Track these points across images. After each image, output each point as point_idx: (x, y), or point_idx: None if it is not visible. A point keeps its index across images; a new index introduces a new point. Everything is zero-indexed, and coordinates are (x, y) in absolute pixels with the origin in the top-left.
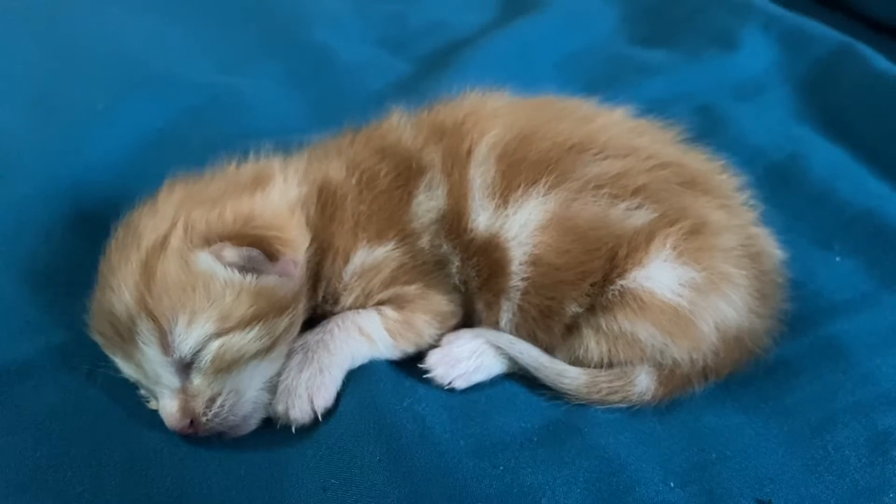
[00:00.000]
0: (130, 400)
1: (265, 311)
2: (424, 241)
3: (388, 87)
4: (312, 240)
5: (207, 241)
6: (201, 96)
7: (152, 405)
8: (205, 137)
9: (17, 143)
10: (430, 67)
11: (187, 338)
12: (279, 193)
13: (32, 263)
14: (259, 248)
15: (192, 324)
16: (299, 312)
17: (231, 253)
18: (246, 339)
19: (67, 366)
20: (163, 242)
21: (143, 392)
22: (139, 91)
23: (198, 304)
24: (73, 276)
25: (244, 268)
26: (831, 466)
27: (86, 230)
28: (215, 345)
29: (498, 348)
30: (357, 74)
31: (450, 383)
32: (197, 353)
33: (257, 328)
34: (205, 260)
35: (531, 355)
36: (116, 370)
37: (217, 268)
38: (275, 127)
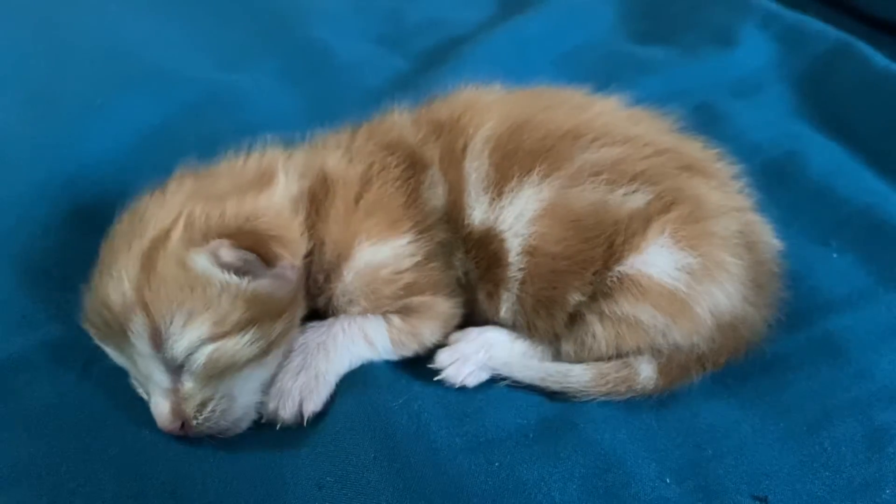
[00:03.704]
0: (125, 395)
1: (260, 316)
2: (435, 237)
3: (386, 83)
4: (311, 238)
5: (206, 240)
6: (199, 92)
7: (140, 392)
8: (202, 134)
9: (14, 138)
10: (428, 64)
11: (181, 339)
12: (282, 191)
13: (29, 258)
14: (257, 253)
15: (186, 325)
16: (296, 316)
17: (228, 254)
18: (240, 345)
19: (63, 361)
20: (166, 237)
21: (133, 381)
22: (136, 87)
23: (194, 306)
24: (69, 271)
25: (240, 270)
26: (828, 462)
27: (82, 225)
28: (208, 349)
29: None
30: (354, 71)
31: (461, 381)
32: (189, 356)
33: (251, 333)
34: (202, 260)
35: (532, 368)
36: (110, 359)
37: (214, 269)
38: (272, 123)
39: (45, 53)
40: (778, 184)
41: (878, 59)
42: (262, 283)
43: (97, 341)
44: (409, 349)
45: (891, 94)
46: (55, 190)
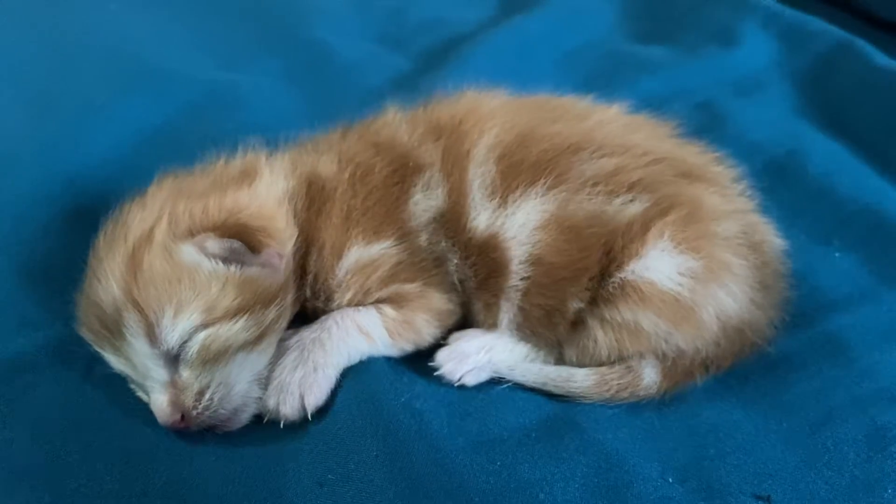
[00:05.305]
0: (127, 395)
1: (251, 303)
2: (422, 240)
3: (387, 83)
4: (300, 233)
5: (191, 233)
6: (200, 92)
7: (141, 395)
8: (203, 133)
9: (15, 138)
10: (429, 64)
11: (174, 329)
12: (265, 187)
13: (30, 259)
14: (241, 240)
15: (178, 315)
16: (287, 304)
17: (213, 244)
18: (232, 331)
19: (64, 361)
20: (149, 235)
21: (132, 386)
22: (138, 87)
23: (184, 296)
24: (71, 271)
25: (228, 259)
26: (830, 462)
27: (83, 226)
28: (201, 336)
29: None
30: (356, 71)
31: (459, 379)
32: (183, 345)
33: (244, 319)
34: (188, 252)
35: (533, 372)
36: (108, 365)
37: (201, 259)
38: (273, 123)
39: (46, 54)
40: (779, 183)
41: (880, 58)
42: (251, 271)
43: (94, 348)
44: (407, 340)
45: (892, 92)
46: (56, 190)
